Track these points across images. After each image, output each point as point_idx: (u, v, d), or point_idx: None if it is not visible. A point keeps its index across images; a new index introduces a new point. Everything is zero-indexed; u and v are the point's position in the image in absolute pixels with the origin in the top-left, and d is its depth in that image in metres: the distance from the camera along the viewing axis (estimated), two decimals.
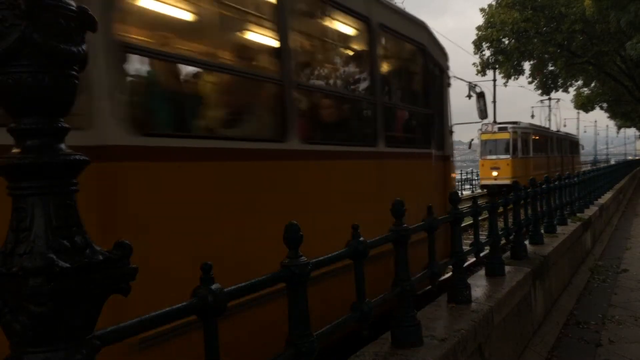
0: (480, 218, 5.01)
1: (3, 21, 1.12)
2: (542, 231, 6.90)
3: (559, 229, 7.72)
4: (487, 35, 33.13)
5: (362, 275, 2.66)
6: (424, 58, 6.80)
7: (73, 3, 1.20)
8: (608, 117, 60.05)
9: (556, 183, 8.24)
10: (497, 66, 35.05)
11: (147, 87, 3.38)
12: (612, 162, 58.57)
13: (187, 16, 3.70)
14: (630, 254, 9.77)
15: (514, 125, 28.33)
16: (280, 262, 2.07)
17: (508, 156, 27.10)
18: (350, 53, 5.79)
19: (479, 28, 34.07)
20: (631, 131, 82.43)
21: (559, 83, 37.62)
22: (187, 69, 3.64)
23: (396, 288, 3.04)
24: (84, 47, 1.23)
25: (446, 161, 7.66)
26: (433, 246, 3.62)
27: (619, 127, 67.22)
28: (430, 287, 3.71)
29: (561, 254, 6.78)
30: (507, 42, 33.50)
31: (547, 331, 5.27)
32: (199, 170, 3.29)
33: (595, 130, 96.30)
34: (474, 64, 34.65)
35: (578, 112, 62.96)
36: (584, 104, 47.85)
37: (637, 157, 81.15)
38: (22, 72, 1.14)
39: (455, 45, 37.55)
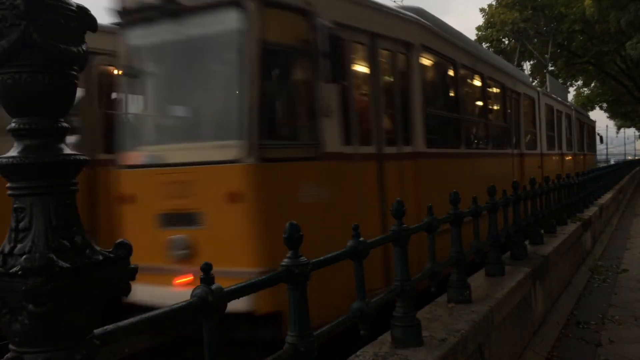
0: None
1: (3, 21, 1.12)
2: (542, 231, 6.90)
3: (559, 229, 7.71)
4: (487, 35, 33.15)
5: (362, 275, 2.66)
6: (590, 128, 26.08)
7: (73, 3, 1.20)
8: (608, 117, 60.02)
9: (556, 183, 8.24)
10: None
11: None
12: (612, 162, 58.56)
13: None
14: (630, 254, 9.76)
15: None
16: (280, 263, 2.07)
17: None
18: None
19: (479, 28, 34.10)
20: (631, 131, 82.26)
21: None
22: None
23: (396, 287, 3.04)
24: (84, 47, 1.23)
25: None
26: (433, 246, 3.62)
27: (619, 127, 67.14)
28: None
29: (561, 254, 6.77)
30: (507, 42, 33.51)
31: (547, 331, 5.27)
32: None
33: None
34: None
35: None
36: (584, 104, 47.83)
37: (637, 157, 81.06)
38: (22, 72, 1.14)
39: None
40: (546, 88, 18.16)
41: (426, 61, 7.00)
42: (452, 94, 8.12)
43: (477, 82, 9.20)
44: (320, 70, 4.86)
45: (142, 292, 3.80)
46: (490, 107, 9.87)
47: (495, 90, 10.04)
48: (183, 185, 4.66)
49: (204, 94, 5.20)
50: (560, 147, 16.77)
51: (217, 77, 5.22)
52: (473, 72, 8.90)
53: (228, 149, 4.50)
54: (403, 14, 6.63)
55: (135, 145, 5.18)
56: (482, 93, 9.35)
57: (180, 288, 4.41)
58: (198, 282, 1.63)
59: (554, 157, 15.63)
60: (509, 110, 10.69)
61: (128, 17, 5.04)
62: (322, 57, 4.83)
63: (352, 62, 5.57)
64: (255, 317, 3.88)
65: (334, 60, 4.89)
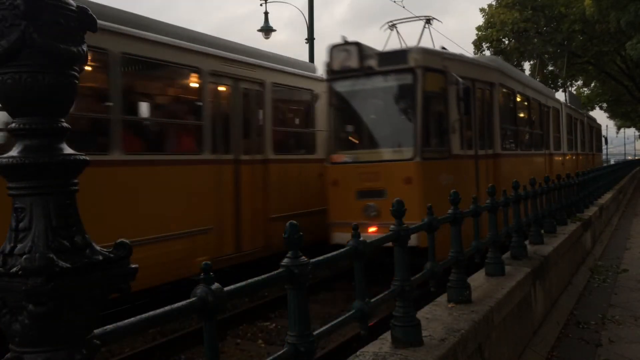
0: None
1: (3, 21, 1.12)
2: (542, 231, 6.90)
3: (559, 229, 7.72)
4: (487, 35, 33.13)
5: (362, 275, 2.66)
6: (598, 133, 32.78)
7: (73, 3, 1.20)
8: (608, 117, 60.03)
9: (556, 183, 8.25)
10: None
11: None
12: (612, 162, 58.57)
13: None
14: (630, 254, 9.77)
15: None
16: (280, 263, 2.08)
17: None
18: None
19: (479, 28, 34.07)
20: (631, 131, 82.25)
21: (559, 83, 37.62)
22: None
23: (396, 287, 3.03)
24: (84, 47, 1.23)
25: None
26: (433, 245, 3.62)
27: (619, 127, 67.15)
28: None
29: (561, 254, 6.77)
30: (507, 42, 33.48)
31: (547, 331, 5.27)
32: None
33: None
34: None
35: None
36: (584, 104, 47.85)
37: (637, 157, 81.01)
38: (22, 72, 1.14)
39: (457, 45, 37.54)
40: (566, 101, 22.79)
41: (501, 93, 10.66)
42: (513, 113, 12.00)
43: (525, 103, 13.21)
44: (458, 108, 8.41)
45: (345, 238, 6.18)
46: (533, 119, 13.87)
47: (535, 106, 14.14)
48: (373, 174, 8.10)
49: (387, 120, 8.84)
50: (576, 148, 21.23)
51: (397, 110, 8.76)
52: (523, 96, 12.85)
53: (405, 152, 8.15)
54: (489, 64, 10.67)
55: (339, 150, 8.88)
56: (528, 110, 13.48)
57: (370, 234, 7.22)
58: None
59: (572, 156, 20.14)
60: (543, 121, 14.91)
61: (335, 74, 8.65)
62: (458, 99, 8.37)
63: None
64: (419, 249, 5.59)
65: (465, 101, 8.33)
